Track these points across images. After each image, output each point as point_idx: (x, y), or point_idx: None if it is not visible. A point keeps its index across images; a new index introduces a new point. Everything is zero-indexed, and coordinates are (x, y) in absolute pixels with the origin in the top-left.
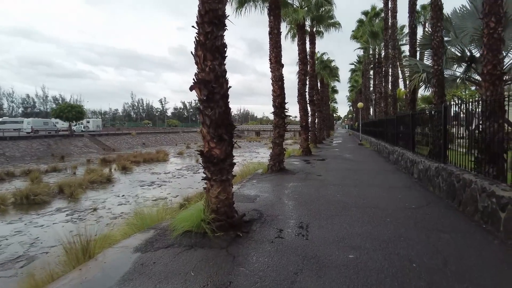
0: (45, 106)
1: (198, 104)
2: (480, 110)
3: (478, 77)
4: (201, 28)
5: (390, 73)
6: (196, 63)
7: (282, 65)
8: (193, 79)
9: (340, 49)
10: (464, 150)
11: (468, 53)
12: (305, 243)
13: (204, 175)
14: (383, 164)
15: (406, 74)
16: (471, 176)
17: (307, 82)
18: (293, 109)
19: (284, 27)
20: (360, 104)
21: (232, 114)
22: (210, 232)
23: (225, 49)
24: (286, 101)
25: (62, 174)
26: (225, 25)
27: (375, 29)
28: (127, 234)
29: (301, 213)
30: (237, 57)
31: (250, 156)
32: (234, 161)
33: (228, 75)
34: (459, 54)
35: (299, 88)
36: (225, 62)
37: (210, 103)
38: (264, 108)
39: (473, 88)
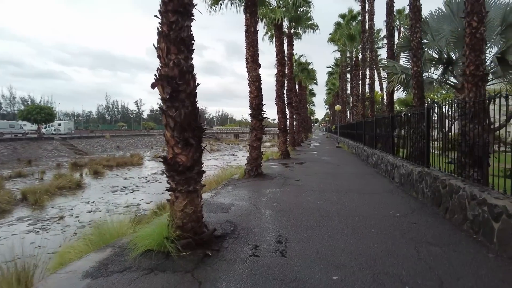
0: (13, 108)
1: (161, 104)
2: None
3: (454, 80)
4: (164, 18)
5: (367, 76)
6: (159, 56)
7: (259, 65)
8: (155, 75)
9: (317, 52)
10: (449, 154)
11: (446, 55)
12: (283, 263)
13: (168, 186)
14: (362, 167)
15: (384, 76)
16: (458, 182)
17: (285, 84)
18: (271, 112)
19: (261, 28)
20: (337, 107)
21: (211, 116)
22: (174, 252)
23: (192, 41)
24: (264, 103)
25: (27, 180)
26: (192, 15)
27: (352, 32)
28: (83, 252)
29: (279, 224)
30: (216, 59)
31: (228, 159)
32: (212, 164)
33: (206, 77)
34: (436, 56)
35: (277, 90)
36: (192, 56)
37: (174, 103)
38: (243, 111)
39: (444, 92)
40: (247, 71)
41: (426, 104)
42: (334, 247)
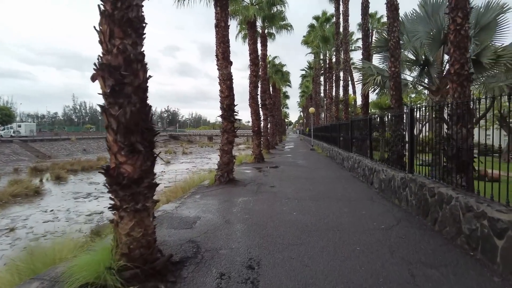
0: None
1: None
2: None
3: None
4: None
5: (341, 78)
6: (100, 42)
7: (231, 62)
8: (94, 65)
9: (291, 55)
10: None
11: (423, 57)
12: None
13: (112, 203)
14: (338, 171)
15: (358, 78)
16: (449, 190)
17: (259, 85)
18: (245, 114)
19: (234, 28)
20: (311, 109)
21: (184, 118)
22: (118, 286)
23: (143, 24)
24: (236, 103)
25: None
26: None
27: (326, 34)
28: (6, 286)
29: (251, 242)
30: (190, 60)
31: (201, 162)
32: (183, 167)
33: (180, 79)
34: (413, 58)
35: (250, 90)
36: (143, 42)
37: (117, 98)
38: (217, 113)
39: (413, 95)
40: (218, 69)
41: (410, 105)
42: (315, 272)
